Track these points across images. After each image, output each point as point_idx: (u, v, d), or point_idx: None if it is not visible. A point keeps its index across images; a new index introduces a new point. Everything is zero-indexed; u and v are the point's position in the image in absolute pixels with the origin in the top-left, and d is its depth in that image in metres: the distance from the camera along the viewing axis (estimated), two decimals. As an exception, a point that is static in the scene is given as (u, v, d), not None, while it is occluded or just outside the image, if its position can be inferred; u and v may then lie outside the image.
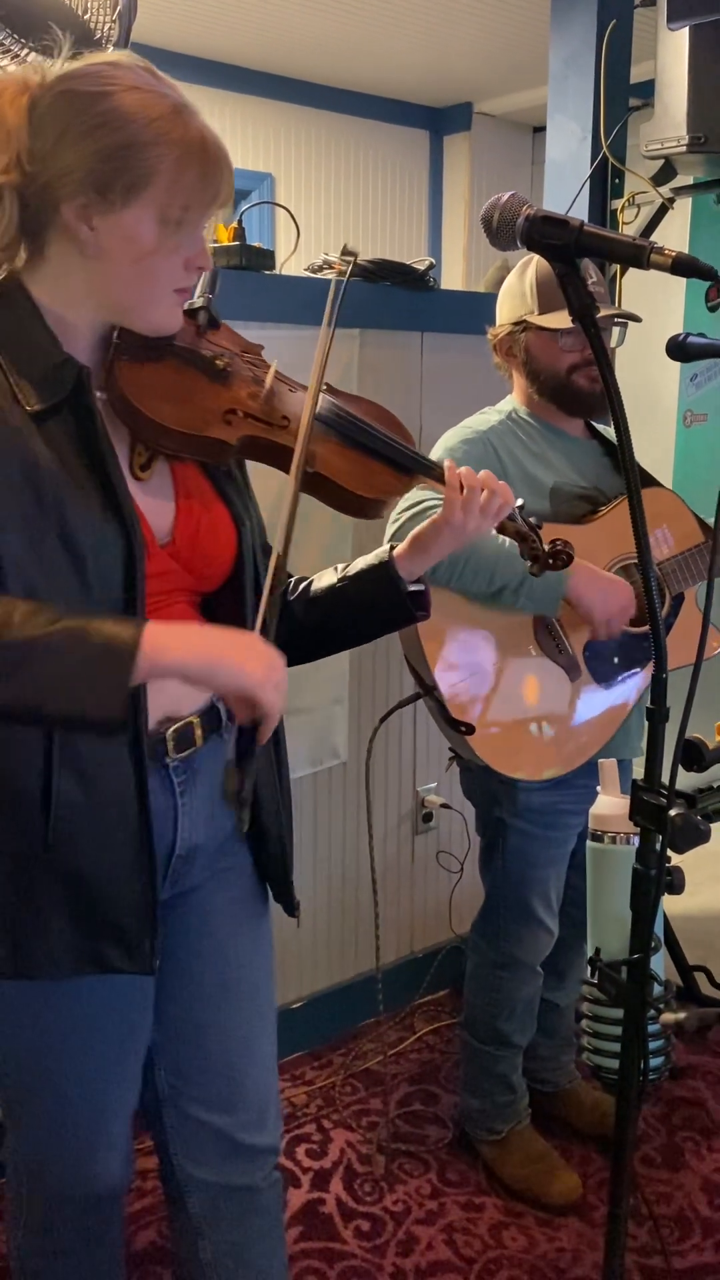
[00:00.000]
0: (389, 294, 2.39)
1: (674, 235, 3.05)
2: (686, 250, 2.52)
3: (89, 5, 1.65)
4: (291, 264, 2.40)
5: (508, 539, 1.47)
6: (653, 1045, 1.24)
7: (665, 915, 2.68)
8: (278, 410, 1.29)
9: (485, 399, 2.12)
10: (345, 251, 1.36)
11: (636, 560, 1.95)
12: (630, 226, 2.73)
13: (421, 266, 2.43)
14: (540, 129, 6.15)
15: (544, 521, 1.50)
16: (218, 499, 1.31)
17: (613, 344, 2.07)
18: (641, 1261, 1.98)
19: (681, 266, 1.08)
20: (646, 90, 2.62)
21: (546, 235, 1.14)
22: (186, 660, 1.10)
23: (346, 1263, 1.99)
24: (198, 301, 1.31)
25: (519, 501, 1.42)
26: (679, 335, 1.85)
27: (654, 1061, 1.25)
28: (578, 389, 1.98)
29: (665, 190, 2.66)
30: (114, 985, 1.28)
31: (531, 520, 1.45)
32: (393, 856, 2.72)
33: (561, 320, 1.92)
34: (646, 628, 1.95)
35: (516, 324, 1.99)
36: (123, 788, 1.21)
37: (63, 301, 1.20)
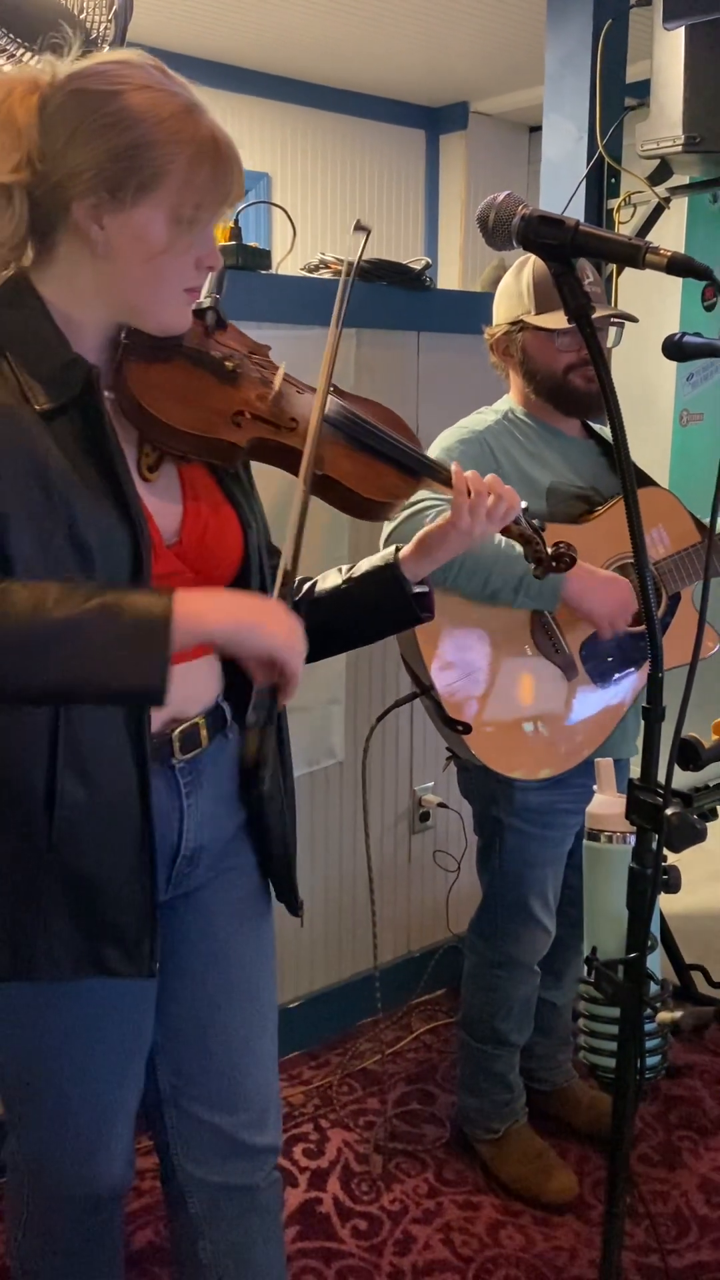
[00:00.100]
0: (385, 294, 2.39)
1: (670, 235, 3.06)
2: (683, 250, 2.53)
3: (85, 5, 1.65)
4: (288, 264, 2.40)
5: (505, 540, 1.47)
6: (649, 1044, 1.24)
7: (662, 914, 2.69)
8: (286, 412, 1.28)
9: (481, 399, 2.12)
10: (358, 226, 1.33)
11: (633, 560, 1.95)
12: (626, 226, 2.73)
13: (417, 266, 2.43)
14: (536, 128, 6.16)
15: (544, 523, 1.50)
16: (225, 501, 1.31)
17: (609, 344, 2.07)
18: (638, 1260, 1.98)
19: (677, 266, 1.08)
20: (642, 90, 2.62)
21: (542, 235, 1.14)
22: (218, 626, 1.11)
23: (344, 1262, 1.99)
24: (205, 302, 1.30)
25: (523, 504, 1.43)
26: (675, 335, 1.85)
27: (650, 1060, 1.25)
28: (574, 389, 1.98)
29: (661, 190, 2.66)
30: (116, 987, 1.27)
31: (535, 523, 1.45)
32: (390, 856, 2.72)
33: (558, 320, 1.92)
34: (643, 627, 1.95)
35: (513, 324, 2.00)
36: (125, 788, 1.21)
37: (71, 301, 1.19)
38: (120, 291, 1.19)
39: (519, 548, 1.82)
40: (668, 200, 2.67)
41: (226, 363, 1.27)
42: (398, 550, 1.44)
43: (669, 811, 1.13)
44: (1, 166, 1.13)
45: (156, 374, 1.22)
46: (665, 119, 2.48)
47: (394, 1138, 2.31)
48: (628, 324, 2.04)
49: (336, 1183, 2.18)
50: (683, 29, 2.41)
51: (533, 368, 2.00)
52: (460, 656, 1.91)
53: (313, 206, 6.00)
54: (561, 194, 2.78)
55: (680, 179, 2.66)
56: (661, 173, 2.64)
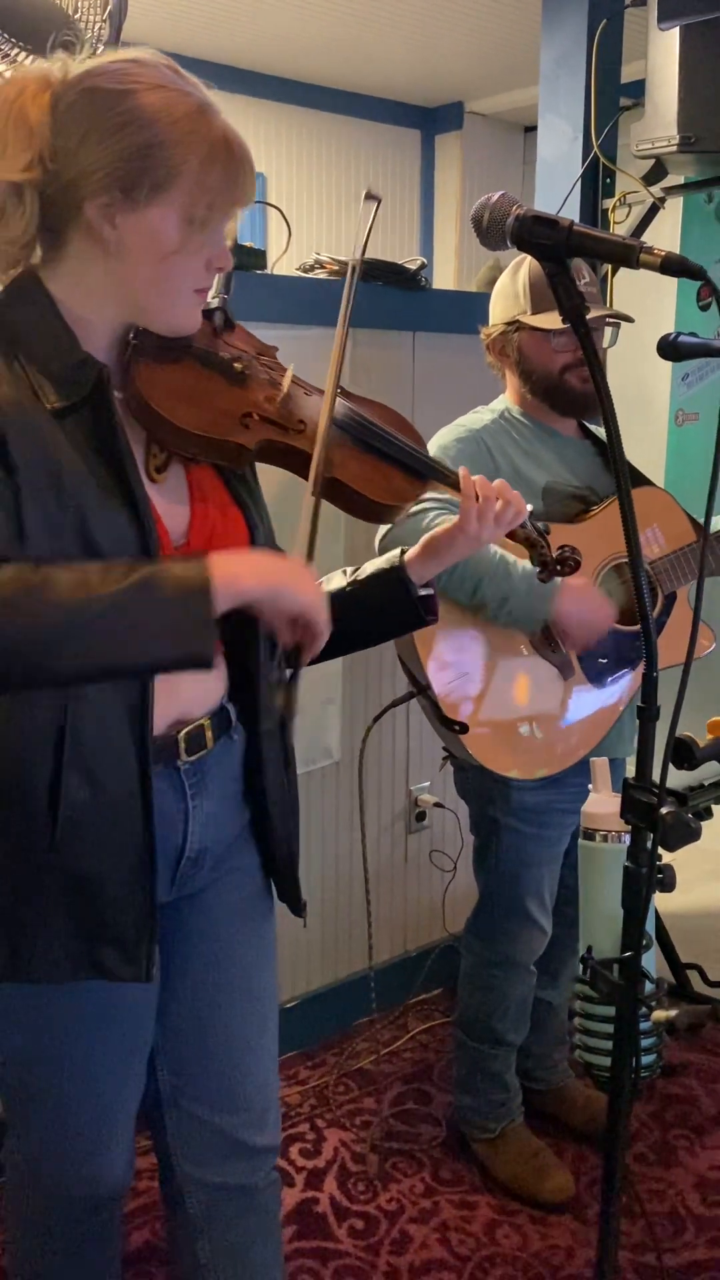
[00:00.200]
0: (380, 294, 2.39)
1: (665, 235, 3.06)
2: (678, 250, 2.53)
3: (79, 5, 1.65)
4: (283, 264, 2.40)
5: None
6: (644, 1043, 1.24)
7: (657, 913, 2.70)
8: (294, 414, 1.28)
9: (477, 399, 2.12)
10: (369, 195, 1.32)
11: (628, 559, 1.95)
12: (621, 226, 2.74)
13: (413, 266, 2.43)
14: (532, 128, 6.16)
15: (549, 526, 1.51)
16: (231, 502, 1.31)
17: (605, 344, 2.07)
18: (634, 1259, 1.98)
19: (671, 266, 1.08)
20: (637, 90, 2.62)
21: (536, 235, 1.14)
22: (253, 587, 1.11)
23: (340, 1261, 1.99)
24: (213, 302, 1.29)
25: (529, 508, 1.43)
26: (670, 335, 1.86)
27: (645, 1059, 1.25)
28: (570, 389, 1.98)
29: (656, 190, 2.66)
30: (116, 988, 1.27)
31: (540, 526, 1.46)
32: (386, 856, 2.72)
33: (554, 320, 1.92)
34: (638, 627, 1.95)
35: (509, 324, 2.00)
36: (128, 789, 1.21)
37: (81, 300, 1.19)
38: (130, 291, 1.18)
39: (514, 564, 1.83)
40: (663, 200, 2.68)
41: (235, 364, 1.27)
42: (403, 553, 1.44)
43: (664, 810, 1.13)
44: (13, 165, 1.13)
45: (165, 375, 1.21)
46: (660, 119, 2.48)
47: (390, 1137, 2.31)
48: (623, 324, 2.04)
49: (333, 1182, 2.18)
50: (677, 29, 2.41)
51: (529, 368, 2.00)
52: (456, 656, 1.91)
53: (308, 207, 6.00)
54: (557, 194, 2.78)
55: (675, 179, 2.67)
56: (656, 173, 2.64)
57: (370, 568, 1.44)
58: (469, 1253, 2.02)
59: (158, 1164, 1.48)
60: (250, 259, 2.19)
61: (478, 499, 1.38)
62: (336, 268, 2.35)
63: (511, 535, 1.43)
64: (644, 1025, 1.22)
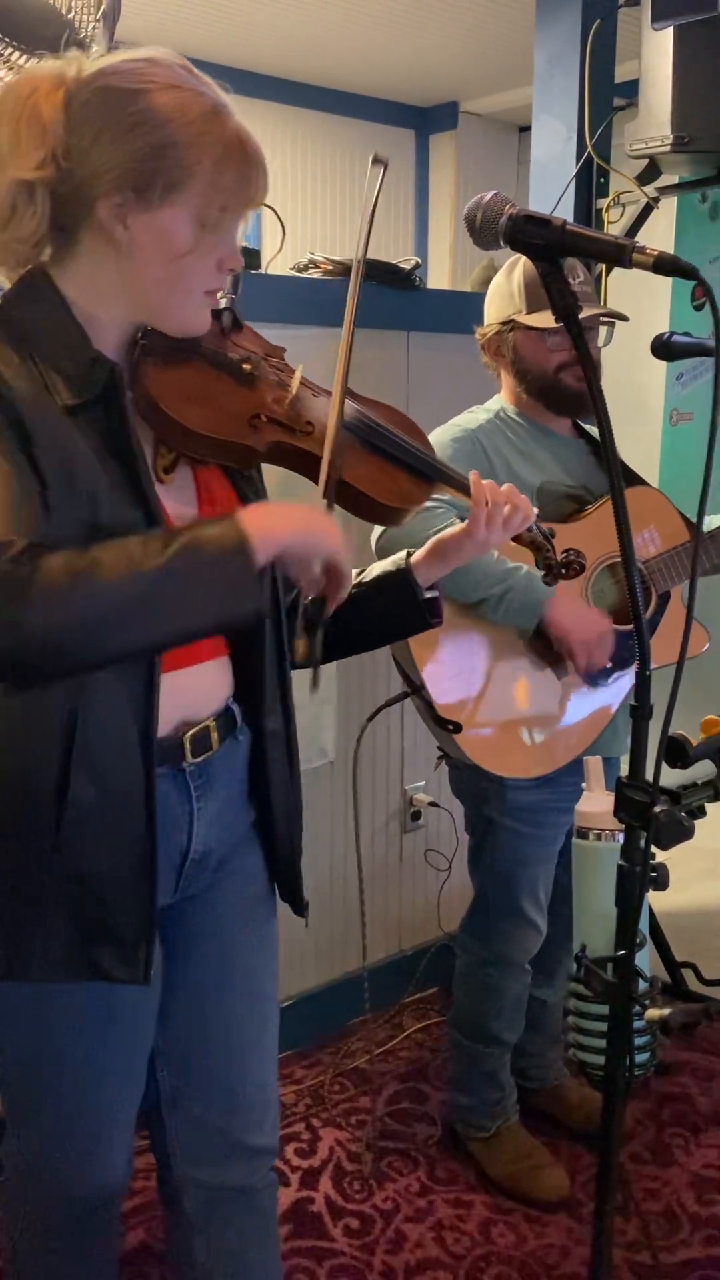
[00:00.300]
0: (375, 293, 2.39)
1: (660, 235, 3.07)
2: (672, 249, 2.53)
3: (73, 5, 1.65)
4: (277, 263, 2.40)
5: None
6: (638, 1041, 1.24)
7: (652, 912, 2.70)
8: (302, 416, 1.27)
9: (471, 398, 2.12)
10: (376, 159, 1.29)
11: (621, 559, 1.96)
12: (616, 226, 2.74)
13: (407, 266, 2.43)
14: (526, 128, 6.16)
15: (553, 530, 1.51)
16: (239, 504, 1.30)
17: (600, 343, 2.08)
18: (629, 1257, 1.99)
19: (663, 265, 1.08)
20: (631, 90, 2.63)
21: (529, 234, 1.14)
22: (285, 537, 1.12)
23: (335, 1261, 1.99)
24: (221, 302, 1.29)
25: (534, 511, 1.43)
26: (663, 334, 1.86)
27: (639, 1057, 1.25)
28: (566, 388, 1.99)
29: (650, 190, 2.66)
30: (117, 989, 1.27)
31: (545, 530, 1.46)
32: (381, 855, 2.72)
33: (549, 319, 1.92)
34: (632, 626, 1.95)
35: (504, 323, 2.00)
36: (133, 789, 1.21)
37: (92, 298, 1.18)
38: (141, 291, 1.18)
39: (511, 564, 1.84)
40: (657, 200, 2.68)
41: (244, 365, 1.26)
42: (409, 555, 1.44)
43: (657, 809, 1.13)
44: (25, 163, 1.12)
45: (174, 375, 1.21)
46: (654, 119, 2.48)
47: (386, 1136, 2.31)
48: (618, 324, 2.04)
49: (328, 1182, 2.18)
50: (671, 29, 2.41)
51: (524, 367, 2.00)
52: (451, 656, 1.91)
53: (302, 206, 6.00)
54: (551, 194, 2.78)
55: (669, 179, 2.67)
56: (650, 172, 2.64)
57: (376, 570, 1.44)
58: (464, 1251, 2.02)
59: (156, 1164, 1.48)
60: (244, 258, 2.18)
61: (487, 504, 1.38)
62: (331, 267, 2.35)
63: (517, 539, 1.43)
64: (638, 1024, 1.22)
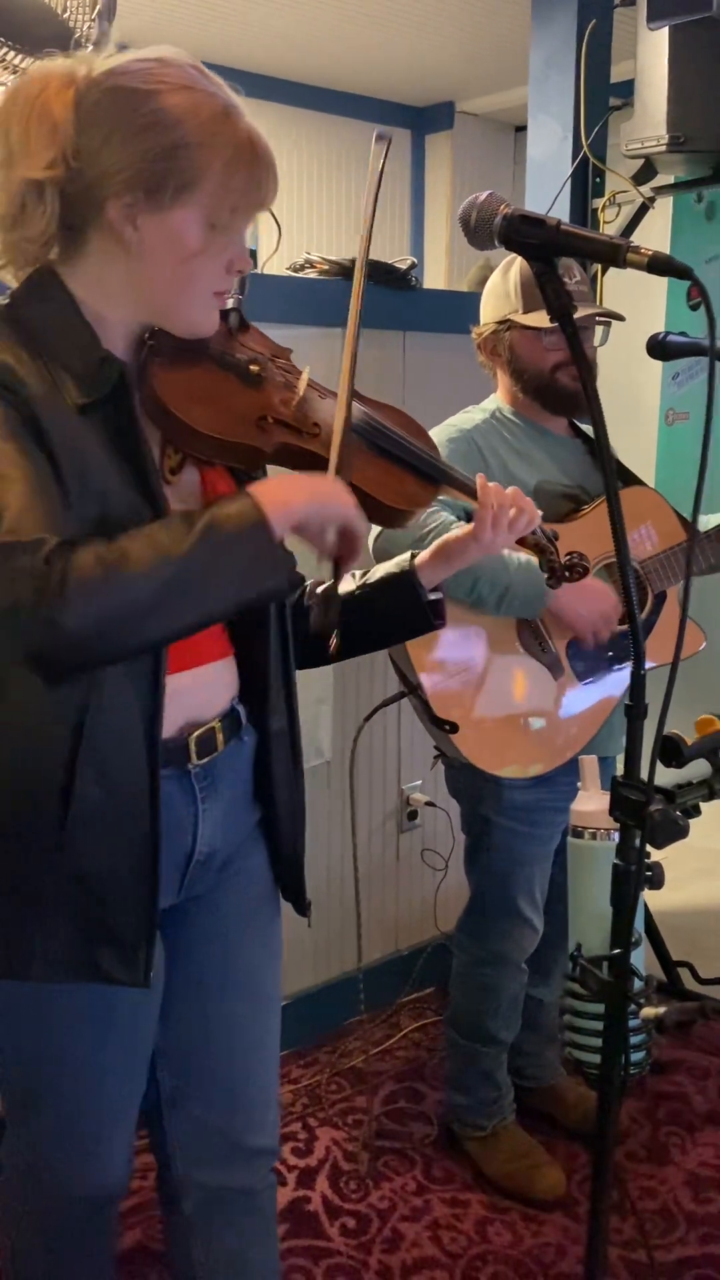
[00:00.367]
0: (371, 293, 2.38)
1: (656, 235, 3.07)
2: (668, 249, 2.53)
3: (68, 4, 1.65)
4: (273, 263, 2.40)
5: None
6: (633, 1040, 1.25)
7: (649, 911, 2.70)
8: (309, 417, 1.27)
9: (467, 398, 2.12)
10: (379, 137, 1.28)
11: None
12: (611, 226, 2.74)
13: (403, 266, 2.44)
14: (522, 128, 6.16)
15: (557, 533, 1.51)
16: None
17: (596, 342, 2.08)
18: (626, 1256, 1.99)
19: (657, 265, 1.08)
20: (627, 90, 2.63)
21: (523, 234, 1.14)
22: (302, 504, 1.13)
23: (332, 1260, 1.99)
24: (229, 303, 1.28)
25: (539, 514, 1.44)
26: (659, 334, 1.86)
27: (635, 1056, 1.25)
28: (562, 387, 1.99)
29: (646, 189, 2.66)
30: (118, 990, 1.26)
31: (550, 533, 1.46)
32: (378, 855, 2.73)
33: (545, 319, 1.92)
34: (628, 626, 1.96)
35: (501, 323, 2.00)
36: (138, 789, 1.21)
37: (100, 298, 1.18)
38: (150, 292, 1.17)
39: (509, 555, 1.84)
40: (652, 200, 2.68)
41: (251, 366, 1.26)
42: (413, 557, 1.44)
43: (652, 808, 1.13)
44: (35, 162, 1.11)
45: (181, 376, 1.20)
46: (649, 119, 2.48)
47: (382, 1136, 2.31)
48: (614, 323, 2.04)
49: (325, 1181, 2.18)
50: (666, 29, 2.42)
51: (520, 366, 2.00)
52: (447, 655, 1.91)
53: (298, 206, 6.00)
54: (547, 193, 2.78)
55: (665, 179, 2.67)
56: (646, 172, 2.64)
57: (380, 571, 1.44)
58: (461, 1251, 2.02)
59: (155, 1164, 1.47)
60: (244, 259, 2.19)
61: (494, 506, 1.38)
62: (327, 267, 2.35)
63: (521, 542, 1.43)
64: (633, 1022, 1.22)
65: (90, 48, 1.66)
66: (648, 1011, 1.19)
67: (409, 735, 2.70)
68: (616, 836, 1.18)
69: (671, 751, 1.23)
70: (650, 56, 2.48)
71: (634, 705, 1.14)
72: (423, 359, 2.52)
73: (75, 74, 1.13)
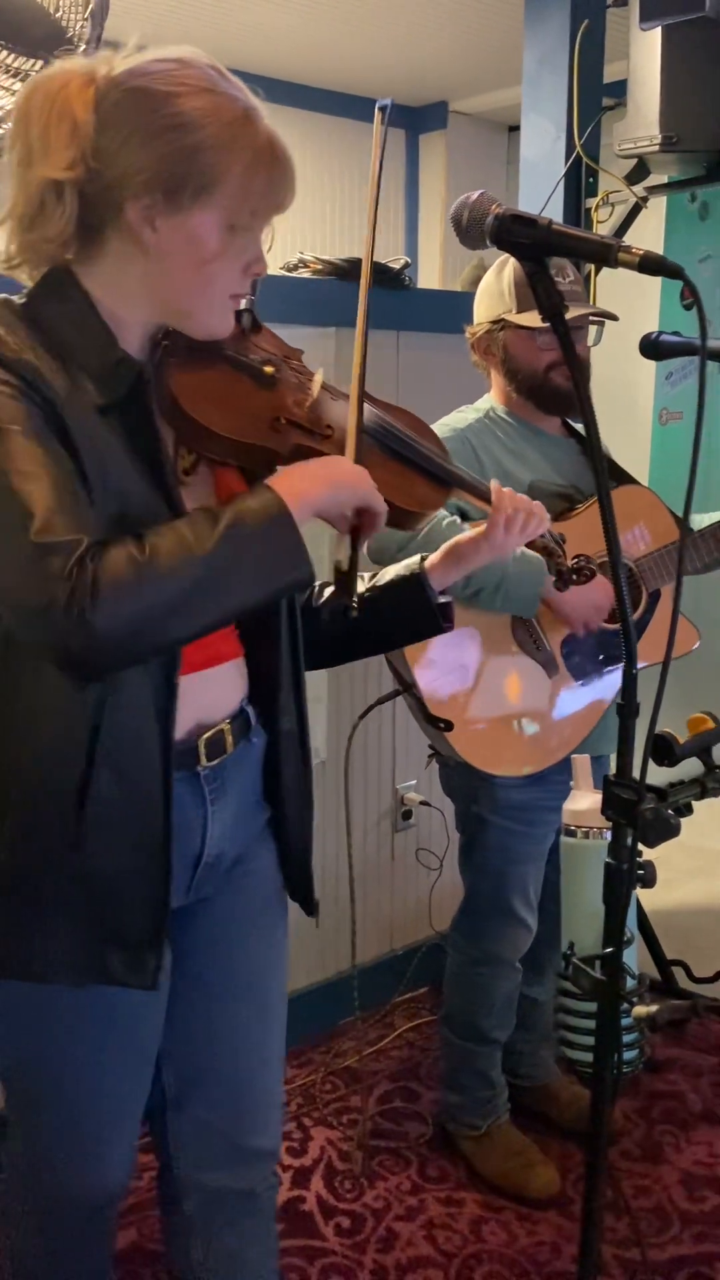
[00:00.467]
0: (365, 293, 2.39)
1: (649, 234, 3.08)
2: (661, 249, 2.54)
3: (60, 4, 1.65)
4: (269, 263, 2.39)
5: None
6: (626, 1038, 1.25)
7: (642, 909, 2.70)
8: (323, 419, 1.26)
9: (461, 398, 2.12)
10: (380, 106, 1.28)
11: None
12: (604, 225, 2.75)
13: (397, 265, 2.44)
14: (515, 128, 6.17)
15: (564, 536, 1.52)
16: None
17: (589, 342, 2.08)
18: (620, 1254, 1.99)
19: (649, 265, 1.08)
20: (619, 90, 2.63)
21: (515, 234, 1.15)
22: (319, 497, 1.15)
23: (327, 1260, 1.99)
24: (241, 304, 1.28)
25: (549, 517, 1.44)
26: (652, 334, 1.87)
27: (627, 1054, 1.26)
28: (556, 387, 1.99)
29: (639, 189, 2.67)
30: (124, 991, 1.26)
31: (557, 536, 1.46)
32: (372, 854, 2.73)
33: (539, 319, 1.92)
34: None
35: (494, 323, 2.00)
36: (152, 789, 1.21)
37: (117, 299, 1.17)
38: (167, 294, 1.17)
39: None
40: (645, 200, 2.69)
41: (265, 367, 1.26)
42: (423, 559, 1.44)
43: (644, 807, 1.14)
44: (55, 161, 1.11)
45: (196, 377, 1.20)
46: (642, 119, 2.49)
47: (377, 1135, 2.31)
48: (608, 323, 2.05)
49: (319, 1181, 2.18)
50: (659, 29, 2.42)
51: (514, 366, 2.01)
52: (442, 654, 1.91)
53: (292, 205, 5.99)
54: (540, 193, 2.79)
55: (658, 178, 2.68)
56: (639, 172, 2.65)
57: (390, 573, 1.44)
58: (455, 1250, 2.02)
59: (157, 1164, 1.47)
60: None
61: (506, 510, 1.38)
62: (320, 267, 2.35)
63: (530, 544, 1.44)
64: (625, 1021, 1.22)
65: (82, 48, 1.66)
66: (640, 1010, 1.19)
67: (404, 734, 2.70)
68: (609, 835, 1.18)
69: (664, 750, 1.23)
70: (643, 56, 2.49)
71: (626, 704, 1.14)
72: (417, 358, 2.52)
73: (96, 73, 1.13)
